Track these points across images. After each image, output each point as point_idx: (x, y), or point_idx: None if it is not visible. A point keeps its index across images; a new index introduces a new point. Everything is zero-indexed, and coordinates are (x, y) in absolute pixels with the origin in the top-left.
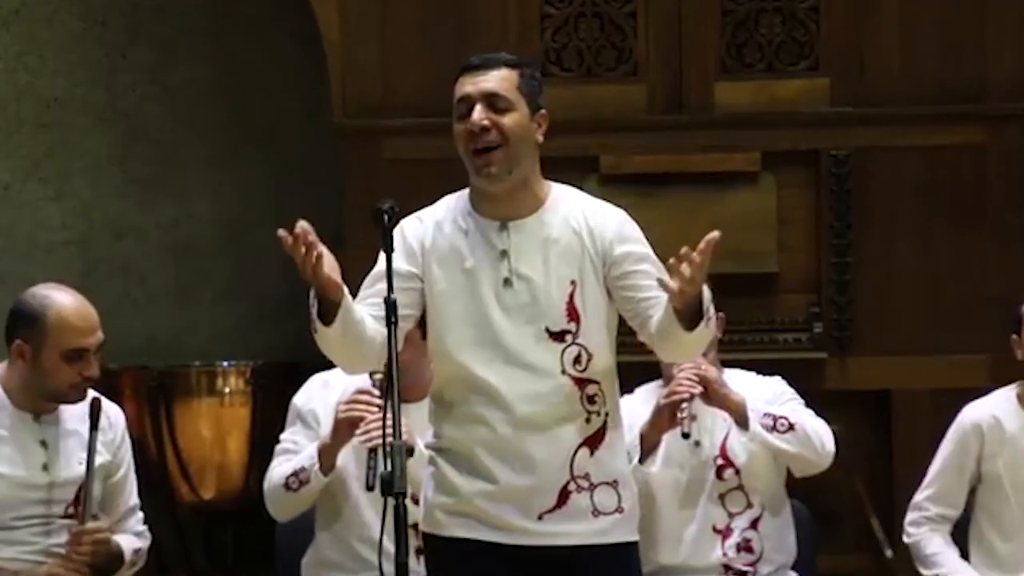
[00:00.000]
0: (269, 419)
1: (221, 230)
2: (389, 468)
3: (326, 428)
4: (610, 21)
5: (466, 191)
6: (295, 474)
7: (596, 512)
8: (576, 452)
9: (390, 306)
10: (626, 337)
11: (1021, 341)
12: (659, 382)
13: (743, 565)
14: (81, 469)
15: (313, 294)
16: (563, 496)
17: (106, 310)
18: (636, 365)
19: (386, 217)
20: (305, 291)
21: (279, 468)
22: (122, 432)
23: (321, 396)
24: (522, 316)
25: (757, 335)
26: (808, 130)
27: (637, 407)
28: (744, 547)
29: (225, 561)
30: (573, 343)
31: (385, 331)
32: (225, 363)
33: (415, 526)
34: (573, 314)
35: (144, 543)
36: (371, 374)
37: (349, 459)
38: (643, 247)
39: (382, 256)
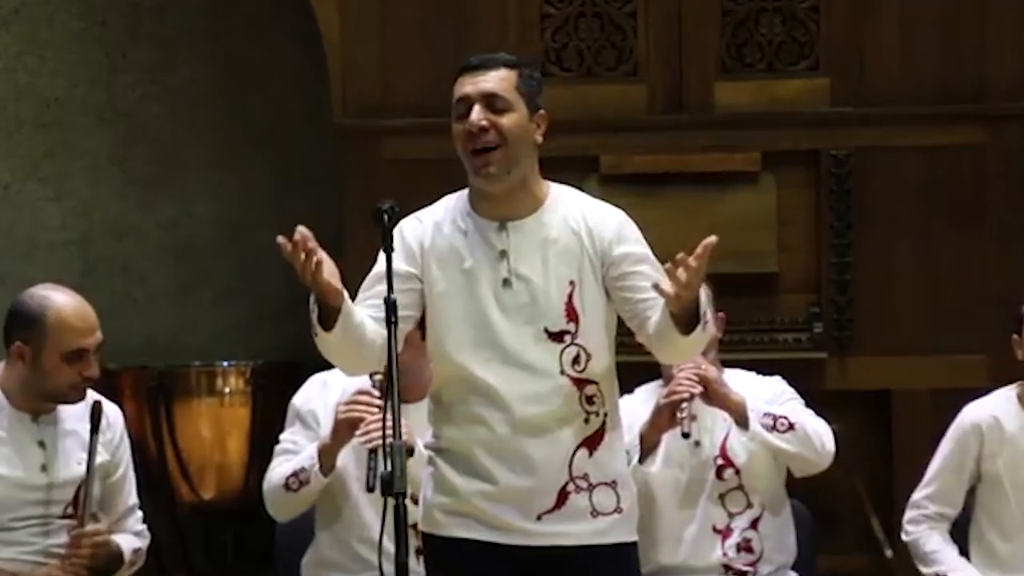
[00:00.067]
0: (269, 419)
1: (221, 230)
2: (389, 468)
3: (325, 428)
4: (610, 21)
5: (465, 191)
6: (295, 474)
7: (595, 512)
8: (575, 453)
9: (390, 306)
10: (626, 337)
11: (1021, 341)
12: (659, 382)
13: (743, 565)
14: (79, 469)
15: (313, 299)
16: (562, 497)
17: (106, 310)
18: (636, 365)
19: (386, 217)
20: (305, 292)
21: (279, 469)
22: (120, 432)
23: (320, 396)
24: (521, 316)
25: (757, 335)
26: (808, 130)
27: (637, 407)
28: (744, 547)
29: (225, 561)
30: (572, 343)
31: (385, 333)
32: (225, 363)
33: (415, 526)
34: (572, 314)
35: (143, 543)
36: (371, 375)
37: (349, 460)
38: (642, 248)
39: (382, 256)
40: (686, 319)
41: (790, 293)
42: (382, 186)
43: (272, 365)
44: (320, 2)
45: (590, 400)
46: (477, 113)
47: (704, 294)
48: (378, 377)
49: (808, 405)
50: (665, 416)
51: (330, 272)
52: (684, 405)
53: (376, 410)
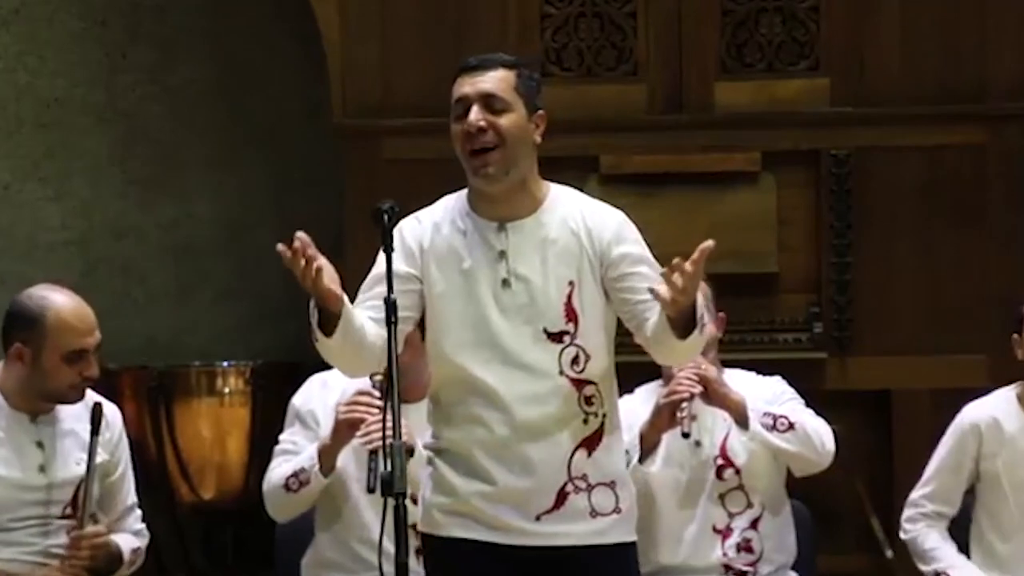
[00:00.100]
0: (269, 419)
1: (221, 230)
2: (389, 468)
3: (325, 429)
4: (610, 21)
5: (464, 192)
6: (295, 475)
7: (594, 513)
8: (574, 453)
9: (390, 307)
10: (625, 337)
11: (1021, 341)
12: (659, 382)
13: (743, 565)
14: (78, 469)
15: (313, 304)
16: (561, 497)
17: (106, 310)
18: (636, 365)
19: (386, 217)
20: (305, 292)
21: (278, 469)
22: (119, 431)
23: (320, 397)
24: (520, 317)
25: (757, 335)
26: (808, 130)
27: (637, 407)
28: (744, 547)
29: (225, 561)
30: (571, 344)
31: (385, 335)
32: (225, 363)
33: (415, 526)
34: (571, 315)
35: (142, 542)
36: (371, 375)
37: (349, 460)
38: (641, 248)
39: (381, 257)
40: (683, 323)
41: (790, 293)
42: (382, 186)
43: (272, 365)
44: (320, 2)
45: (589, 401)
46: (475, 113)
47: (703, 295)
48: (378, 378)
49: (808, 405)
50: (665, 416)
51: (330, 278)
52: (684, 405)
53: (376, 411)
